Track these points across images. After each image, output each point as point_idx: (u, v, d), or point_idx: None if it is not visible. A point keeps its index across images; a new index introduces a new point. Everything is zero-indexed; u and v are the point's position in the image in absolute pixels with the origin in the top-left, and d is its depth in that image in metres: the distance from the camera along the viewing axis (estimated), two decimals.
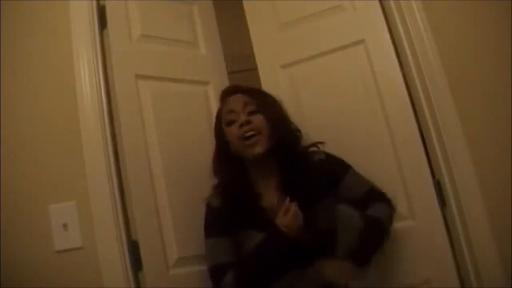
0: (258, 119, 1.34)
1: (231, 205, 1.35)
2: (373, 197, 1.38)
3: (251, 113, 1.35)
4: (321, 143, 1.44)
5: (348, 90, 1.62)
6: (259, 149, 1.32)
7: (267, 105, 1.39)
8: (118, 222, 1.39)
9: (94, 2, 1.55)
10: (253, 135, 1.32)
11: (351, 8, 1.66)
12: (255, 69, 1.77)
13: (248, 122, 1.33)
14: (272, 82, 1.71)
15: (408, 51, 1.55)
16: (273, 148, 1.33)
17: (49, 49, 1.50)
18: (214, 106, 1.71)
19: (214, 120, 1.69)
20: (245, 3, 1.82)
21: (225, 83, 1.82)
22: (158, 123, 1.55)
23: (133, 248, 1.40)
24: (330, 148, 1.45)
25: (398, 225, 1.49)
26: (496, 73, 1.48)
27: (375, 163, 1.53)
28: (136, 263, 1.39)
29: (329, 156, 1.42)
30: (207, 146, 1.63)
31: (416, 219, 1.49)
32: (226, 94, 1.46)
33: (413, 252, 1.47)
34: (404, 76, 1.57)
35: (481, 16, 1.53)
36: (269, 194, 1.35)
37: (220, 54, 1.86)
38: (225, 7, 2.07)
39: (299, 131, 1.43)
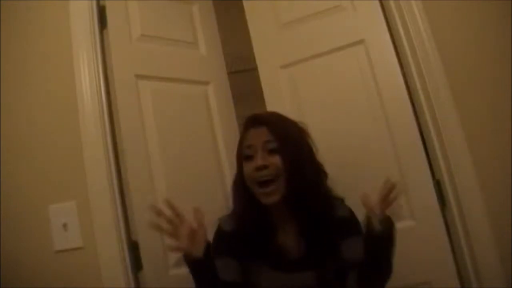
0: (276, 162, 1.23)
1: (245, 234, 1.28)
2: None
3: (270, 152, 1.25)
4: (342, 199, 1.33)
5: (348, 90, 1.62)
6: (274, 198, 1.24)
7: (290, 144, 1.26)
8: (118, 222, 1.39)
9: (94, 2, 1.55)
10: (269, 181, 1.23)
11: (351, 8, 1.66)
12: (255, 69, 1.76)
13: (265, 167, 1.23)
14: (272, 82, 1.71)
15: (408, 51, 1.54)
16: (291, 192, 1.24)
17: (49, 49, 1.50)
18: (214, 106, 1.72)
19: (214, 120, 1.71)
20: (245, 3, 1.82)
21: (225, 83, 1.83)
22: (158, 123, 1.55)
23: (133, 248, 1.40)
24: (330, 148, 1.45)
25: (398, 225, 1.48)
26: (496, 73, 1.48)
27: (375, 162, 1.54)
28: (136, 263, 1.39)
29: (352, 215, 1.31)
30: (207, 146, 1.64)
31: (416, 219, 1.49)
32: (250, 124, 1.32)
33: (413, 252, 1.46)
34: (404, 76, 1.57)
35: (481, 16, 1.53)
36: (285, 233, 1.29)
37: (220, 54, 1.86)
38: (225, 7, 2.07)
39: (323, 171, 1.33)
